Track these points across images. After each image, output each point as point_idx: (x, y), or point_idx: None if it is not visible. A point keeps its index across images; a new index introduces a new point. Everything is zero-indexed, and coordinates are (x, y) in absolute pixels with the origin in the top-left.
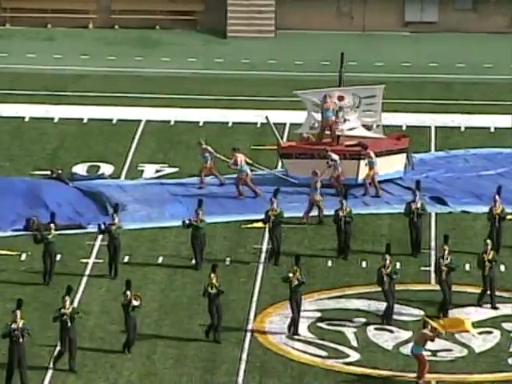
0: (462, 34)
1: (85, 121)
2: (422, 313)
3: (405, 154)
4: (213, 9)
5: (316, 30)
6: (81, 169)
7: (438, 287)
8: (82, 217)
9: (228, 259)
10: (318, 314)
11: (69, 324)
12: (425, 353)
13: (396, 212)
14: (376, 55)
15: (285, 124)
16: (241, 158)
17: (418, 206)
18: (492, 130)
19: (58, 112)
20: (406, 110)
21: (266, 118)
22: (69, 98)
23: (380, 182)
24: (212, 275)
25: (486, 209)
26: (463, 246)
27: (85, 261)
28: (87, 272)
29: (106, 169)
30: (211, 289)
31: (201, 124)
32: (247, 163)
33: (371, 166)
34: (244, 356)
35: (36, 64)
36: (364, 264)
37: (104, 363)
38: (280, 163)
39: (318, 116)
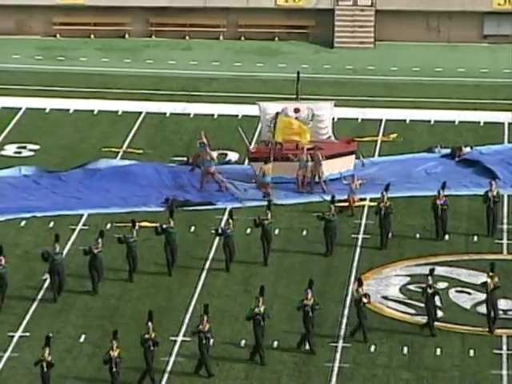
0: None
1: (215, 116)
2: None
3: (354, 156)
4: (322, 24)
5: (408, 41)
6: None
7: (509, 257)
8: (213, 196)
9: None
10: (408, 279)
11: (114, 369)
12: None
13: (473, 194)
14: (459, 63)
15: (381, 120)
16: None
17: (494, 194)
18: None
19: (193, 109)
20: (483, 109)
21: (237, 128)
22: (202, 97)
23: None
24: None
25: None
26: None
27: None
28: (216, 241)
29: (233, 156)
30: None
31: None
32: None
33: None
34: (345, 312)
35: (176, 69)
36: (447, 237)
37: (230, 317)
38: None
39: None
